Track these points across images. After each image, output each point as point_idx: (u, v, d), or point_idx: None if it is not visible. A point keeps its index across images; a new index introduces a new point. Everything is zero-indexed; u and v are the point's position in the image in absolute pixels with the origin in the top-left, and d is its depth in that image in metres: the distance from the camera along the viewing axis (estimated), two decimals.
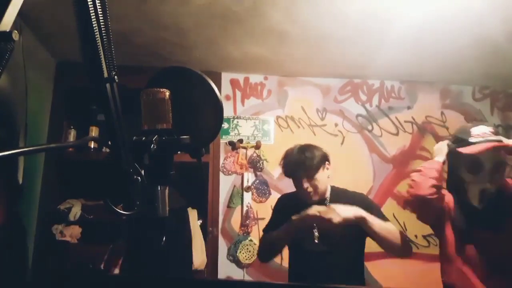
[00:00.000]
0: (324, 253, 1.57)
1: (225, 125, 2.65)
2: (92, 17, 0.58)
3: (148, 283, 0.69)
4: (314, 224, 1.55)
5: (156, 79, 0.87)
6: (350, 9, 1.95)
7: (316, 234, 1.58)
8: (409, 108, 2.85)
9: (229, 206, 2.56)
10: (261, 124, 2.70)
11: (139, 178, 0.69)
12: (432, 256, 2.59)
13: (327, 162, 1.68)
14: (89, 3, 0.57)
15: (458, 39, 2.20)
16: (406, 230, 2.60)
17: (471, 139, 1.42)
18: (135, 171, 0.69)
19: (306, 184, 1.61)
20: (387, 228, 1.58)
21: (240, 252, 2.45)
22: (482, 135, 1.40)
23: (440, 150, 1.57)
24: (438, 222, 1.56)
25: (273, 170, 2.61)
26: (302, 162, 1.61)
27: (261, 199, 2.58)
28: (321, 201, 1.64)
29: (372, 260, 2.56)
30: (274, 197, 2.39)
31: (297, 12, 1.98)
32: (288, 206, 1.70)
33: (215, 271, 2.43)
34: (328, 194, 1.70)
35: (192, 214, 2.41)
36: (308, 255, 1.61)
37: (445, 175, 1.55)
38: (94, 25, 0.59)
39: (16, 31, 0.53)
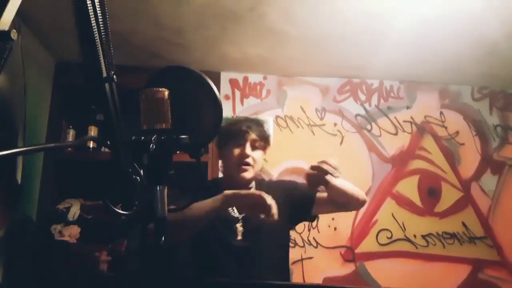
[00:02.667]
0: (245, 250, 1.41)
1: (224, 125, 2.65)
2: (91, 16, 0.58)
3: (148, 283, 0.69)
4: (238, 222, 1.41)
5: (155, 79, 0.87)
6: (350, 9, 1.95)
7: (240, 228, 1.43)
8: (408, 108, 2.85)
9: None
10: None
11: (138, 178, 0.69)
12: (431, 255, 2.60)
13: (268, 144, 1.55)
14: (88, 3, 0.57)
15: (457, 39, 2.21)
16: (405, 230, 2.61)
17: None
18: (134, 171, 0.69)
19: (249, 151, 1.46)
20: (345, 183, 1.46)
21: None
22: None
23: None
24: None
25: (272, 169, 2.61)
26: (244, 131, 1.47)
27: None
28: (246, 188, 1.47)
29: (371, 260, 2.56)
30: None
31: (296, 12, 1.98)
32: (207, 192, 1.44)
33: None
34: (252, 184, 1.54)
35: None
36: (225, 250, 1.41)
37: None
38: (93, 25, 0.59)
39: (14, 30, 0.53)
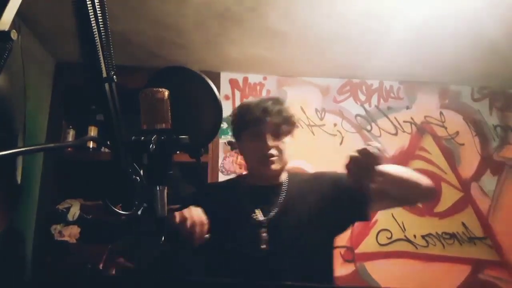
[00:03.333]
0: (271, 262, 1.13)
1: (224, 125, 2.65)
2: (91, 17, 0.58)
3: (147, 283, 0.69)
4: (262, 228, 1.16)
5: (155, 79, 0.87)
6: (349, 10, 1.95)
7: (265, 235, 1.16)
8: (408, 108, 2.85)
9: None
10: None
11: (138, 178, 0.69)
12: (431, 256, 2.60)
13: (295, 128, 1.28)
14: (88, 3, 0.57)
15: (457, 39, 2.21)
16: (405, 230, 2.61)
17: None
18: (134, 171, 0.69)
19: (271, 141, 1.20)
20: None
21: None
22: None
23: None
24: None
25: None
26: (260, 118, 1.20)
27: None
28: (275, 187, 1.25)
29: (371, 260, 2.56)
30: None
31: (296, 12, 1.98)
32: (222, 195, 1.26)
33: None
34: (285, 177, 1.30)
35: None
36: (245, 263, 1.15)
37: None
38: (93, 25, 0.59)
39: (14, 31, 0.53)
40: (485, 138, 2.83)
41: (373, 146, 1.02)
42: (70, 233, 2.27)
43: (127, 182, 0.68)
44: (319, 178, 1.31)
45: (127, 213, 0.68)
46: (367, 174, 1.02)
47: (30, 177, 2.21)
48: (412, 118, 2.83)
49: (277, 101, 1.28)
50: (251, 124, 1.22)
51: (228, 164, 2.61)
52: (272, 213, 1.21)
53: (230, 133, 2.65)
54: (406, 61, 2.53)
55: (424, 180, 1.18)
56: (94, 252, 2.20)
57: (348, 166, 1.04)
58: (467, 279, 2.57)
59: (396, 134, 2.80)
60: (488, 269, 2.59)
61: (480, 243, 2.64)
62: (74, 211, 2.32)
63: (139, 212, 0.69)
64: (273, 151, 1.21)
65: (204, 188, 1.46)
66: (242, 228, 1.18)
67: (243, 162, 2.60)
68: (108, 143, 0.68)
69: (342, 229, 1.32)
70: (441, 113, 2.85)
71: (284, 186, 1.27)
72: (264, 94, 2.76)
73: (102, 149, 2.43)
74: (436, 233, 2.63)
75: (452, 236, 2.63)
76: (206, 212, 1.07)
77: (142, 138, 0.72)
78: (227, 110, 2.69)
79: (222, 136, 2.64)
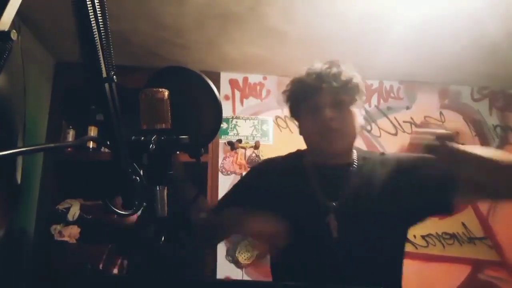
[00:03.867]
0: (344, 253, 0.99)
1: (224, 125, 2.65)
2: (91, 17, 0.58)
3: (147, 283, 0.69)
4: (330, 214, 1.00)
5: (155, 79, 0.87)
6: (349, 10, 1.95)
7: (334, 222, 1.01)
8: (408, 108, 2.85)
9: None
10: (260, 124, 2.70)
11: (138, 178, 0.69)
12: (431, 256, 2.60)
13: (360, 94, 1.10)
14: (88, 2, 0.57)
15: (457, 39, 2.21)
16: None
17: None
18: (134, 171, 0.69)
19: (330, 112, 1.03)
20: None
21: (239, 252, 2.45)
22: None
23: None
24: None
25: None
26: (317, 86, 1.05)
27: None
28: (343, 167, 1.08)
29: None
30: None
31: (296, 12, 1.98)
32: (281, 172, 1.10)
33: (213, 271, 2.43)
34: (355, 156, 1.12)
35: None
36: (316, 256, 1.02)
37: None
38: (93, 25, 0.59)
39: (14, 31, 0.53)
40: (485, 138, 2.83)
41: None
42: (70, 233, 2.27)
43: (127, 182, 0.68)
44: (396, 160, 1.11)
45: (127, 213, 0.68)
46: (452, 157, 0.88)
47: (30, 177, 2.21)
48: (412, 118, 2.83)
49: (333, 63, 1.14)
50: (306, 95, 1.08)
51: (228, 164, 2.61)
52: (341, 198, 1.05)
53: (229, 134, 2.66)
54: (406, 61, 2.53)
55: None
56: (94, 252, 2.20)
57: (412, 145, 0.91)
58: (467, 279, 2.57)
59: (396, 134, 2.80)
60: (488, 269, 2.59)
61: (480, 243, 2.64)
62: (74, 211, 2.32)
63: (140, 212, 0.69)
64: (334, 124, 1.04)
65: (261, 172, 1.22)
66: (310, 216, 1.03)
67: (243, 162, 2.60)
68: (108, 143, 0.68)
69: (418, 221, 1.12)
70: (441, 113, 2.85)
71: (353, 167, 1.10)
72: (264, 94, 2.76)
73: (102, 149, 2.43)
74: (436, 233, 2.63)
75: (452, 236, 2.63)
76: (266, 203, 0.98)
77: (142, 138, 0.72)
78: (227, 110, 2.70)
79: (222, 136, 2.64)
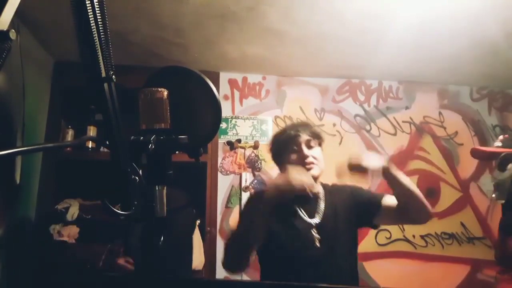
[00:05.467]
0: (324, 259, 1.31)
1: (223, 125, 2.65)
2: (90, 16, 0.58)
3: (146, 283, 0.69)
4: (313, 229, 1.33)
5: (154, 79, 0.87)
6: (349, 10, 1.95)
7: (316, 235, 1.33)
8: (407, 108, 2.85)
9: (227, 206, 2.56)
10: (259, 124, 2.70)
11: (137, 178, 0.69)
12: (430, 256, 2.60)
13: (322, 140, 1.48)
14: (87, 2, 0.57)
15: (456, 39, 2.21)
16: (403, 230, 2.61)
17: None
18: (133, 171, 0.69)
19: (307, 151, 1.39)
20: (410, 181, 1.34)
21: None
22: None
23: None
24: None
25: (271, 170, 2.60)
26: (295, 135, 1.41)
27: None
28: (314, 194, 1.38)
29: (370, 260, 2.56)
30: None
31: (296, 12, 1.98)
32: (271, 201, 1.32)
33: (213, 271, 2.43)
34: (319, 188, 1.44)
35: None
36: (304, 262, 1.32)
37: None
38: (92, 25, 0.58)
39: (13, 30, 0.53)
40: (484, 138, 2.84)
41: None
42: (69, 233, 2.27)
43: (126, 182, 0.68)
44: (341, 188, 1.50)
45: (126, 213, 0.68)
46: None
47: (29, 177, 2.21)
48: (411, 118, 2.83)
49: (305, 123, 1.58)
50: (288, 142, 1.42)
51: (227, 164, 2.61)
52: (317, 217, 1.38)
53: (229, 134, 2.66)
54: (405, 61, 2.53)
55: (427, 204, 1.34)
56: (93, 252, 2.20)
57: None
58: (466, 279, 2.58)
59: (395, 134, 2.80)
60: (487, 269, 2.59)
61: (479, 243, 2.64)
62: (73, 211, 2.32)
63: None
64: (310, 158, 1.39)
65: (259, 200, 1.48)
66: (294, 230, 1.35)
67: (242, 162, 2.60)
68: (107, 143, 0.68)
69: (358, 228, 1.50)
70: (440, 113, 2.86)
71: (321, 194, 1.44)
72: (263, 94, 2.76)
73: (101, 149, 2.43)
74: (435, 233, 2.63)
75: (451, 236, 2.64)
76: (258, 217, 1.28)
77: (141, 138, 0.72)
78: (226, 110, 2.70)
79: (221, 136, 2.64)
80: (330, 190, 1.49)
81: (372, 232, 2.59)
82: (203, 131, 0.86)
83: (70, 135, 2.46)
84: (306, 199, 1.37)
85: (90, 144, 2.45)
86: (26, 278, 2.06)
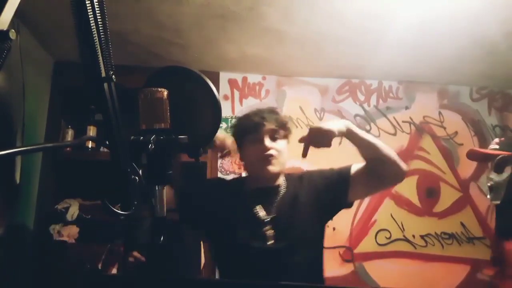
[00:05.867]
0: (278, 254, 1.22)
1: (223, 125, 2.65)
2: (90, 16, 0.58)
3: (146, 283, 0.69)
4: (267, 225, 1.23)
5: (154, 79, 0.87)
6: (349, 10, 1.95)
7: (271, 232, 1.24)
8: (407, 108, 2.85)
9: None
10: None
11: (137, 178, 0.69)
12: (429, 256, 2.60)
13: (289, 132, 1.38)
14: (87, 2, 0.57)
15: (456, 39, 2.21)
16: (404, 230, 2.61)
17: None
18: (133, 170, 0.69)
19: (269, 143, 1.28)
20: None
21: None
22: None
23: None
24: None
25: None
26: (258, 123, 1.29)
27: None
28: (274, 188, 1.32)
29: (370, 260, 2.56)
30: None
31: (296, 12, 1.98)
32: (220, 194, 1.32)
33: (213, 271, 2.43)
34: (281, 181, 1.36)
35: None
36: (257, 258, 1.23)
37: None
38: (92, 25, 0.58)
39: (13, 30, 0.53)
40: (483, 138, 2.84)
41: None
42: (69, 233, 2.27)
43: (126, 182, 0.68)
44: (309, 175, 1.40)
45: (125, 213, 0.68)
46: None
47: (28, 177, 2.21)
48: (411, 118, 2.83)
49: (273, 110, 1.41)
50: (251, 130, 1.30)
51: (227, 164, 2.61)
52: (273, 212, 1.28)
53: (230, 133, 2.65)
54: (405, 61, 2.53)
55: (401, 161, 1.30)
56: (93, 252, 2.20)
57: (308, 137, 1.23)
58: (466, 279, 2.58)
59: (395, 134, 2.80)
60: (487, 269, 2.59)
61: (479, 243, 2.64)
62: (73, 211, 2.32)
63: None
64: (271, 152, 1.29)
65: (205, 186, 1.51)
66: (246, 226, 1.26)
67: (242, 162, 2.60)
68: (107, 142, 0.68)
69: (330, 218, 1.41)
70: (440, 113, 2.86)
71: (282, 187, 1.35)
72: (263, 94, 2.76)
73: (101, 148, 2.43)
74: (435, 233, 2.63)
75: (451, 236, 2.64)
76: (209, 209, 1.26)
77: (141, 138, 0.72)
78: (226, 110, 2.69)
79: None
80: (293, 179, 1.39)
81: (372, 232, 2.59)
82: (203, 131, 0.86)
83: (70, 135, 2.46)
84: (266, 194, 1.31)
85: (90, 144, 2.44)
86: (26, 278, 2.06)
